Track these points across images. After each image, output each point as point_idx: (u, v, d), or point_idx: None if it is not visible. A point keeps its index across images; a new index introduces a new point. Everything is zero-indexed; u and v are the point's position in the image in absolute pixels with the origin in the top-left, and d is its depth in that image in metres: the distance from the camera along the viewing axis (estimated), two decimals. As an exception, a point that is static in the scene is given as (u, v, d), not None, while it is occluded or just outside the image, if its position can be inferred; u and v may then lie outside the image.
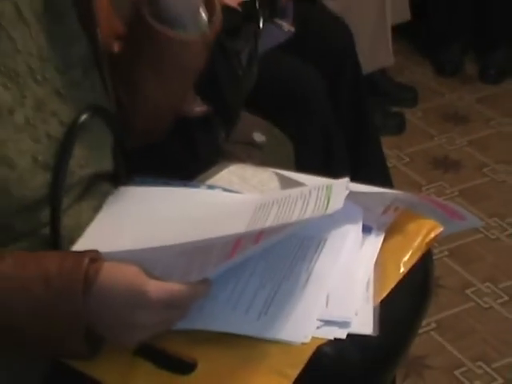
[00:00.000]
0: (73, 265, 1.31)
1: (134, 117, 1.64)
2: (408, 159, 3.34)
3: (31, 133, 1.43)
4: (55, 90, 1.48)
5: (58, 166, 1.45)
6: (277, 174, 1.68)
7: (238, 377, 1.33)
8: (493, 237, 2.94)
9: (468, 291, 2.73)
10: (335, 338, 1.36)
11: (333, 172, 1.61)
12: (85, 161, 1.51)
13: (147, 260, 1.34)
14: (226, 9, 2.22)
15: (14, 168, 1.39)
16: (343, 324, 1.38)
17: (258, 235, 1.36)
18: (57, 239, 1.45)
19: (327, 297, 1.41)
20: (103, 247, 1.37)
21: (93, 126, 1.53)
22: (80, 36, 1.55)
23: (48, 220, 1.45)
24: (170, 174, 1.62)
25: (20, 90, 1.43)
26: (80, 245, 1.45)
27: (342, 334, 1.37)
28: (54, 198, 1.44)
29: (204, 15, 1.56)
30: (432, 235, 1.56)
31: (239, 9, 2.23)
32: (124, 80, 1.63)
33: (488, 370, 2.46)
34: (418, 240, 1.55)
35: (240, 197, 1.56)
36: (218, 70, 1.85)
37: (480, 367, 2.47)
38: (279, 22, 2.58)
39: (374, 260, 1.49)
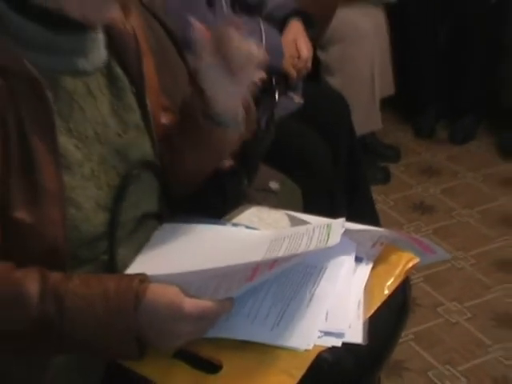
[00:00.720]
0: (126, 285, 1.32)
1: (172, 175, 1.64)
2: (392, 203, 3.34)
3: (95, 182, 1.44)
4: (115, 149, 1.49)
5: (115, 209, 1.46)
6: (288, 215, 1.68)
7: (255, 376, 1.32)
8: (459, 266, 2.93)
9: (439, 309, 2.72)
10: (333, 346, 1.36)
11: (332, 214, 1.60)
12: (136, 204, 1.52)
13: (184, 281, 1.34)
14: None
15: (80, 209, 1.40)
16: (339, 335, 1.38)
17: (271, 263, 1.36)
18: (113, 264, 1.46)
19: (326, 313, 1.40)
20: (150, 271, 1.38)
21: (143, 177, 1.54)
22: (134, 107, 1.56)
23: (106, 249, 1.46)
24: (203, 213, 1.62)
25: (87, 148, 1.44)
26: (132, 269, 1.45)
27: (337, 342, 1.37)
28: (111, 233, 1.45)
29: (241, 117, 1.55)
30: (410, 265, 1.56)
31: (259, 85, 2.24)
32: (170, 149, 1.64)
33: (454, 372, 2.45)
34: (399, 268, 1.54)
35: (258, 233, 1.56)
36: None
37: (448, 370, 2.46)
38: (291, 95, 2.58)
39: (364, 284, 1.48)
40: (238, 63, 1.46)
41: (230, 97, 1.51)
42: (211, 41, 1.46)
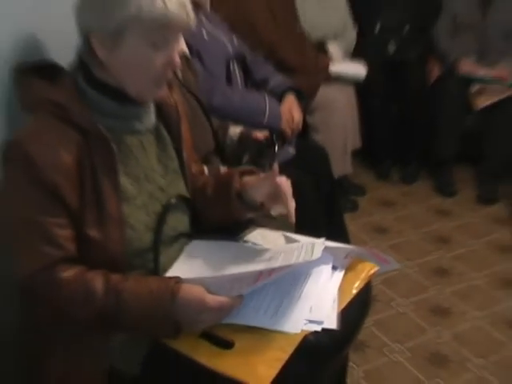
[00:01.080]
0: (165, 285, 1.32)
1: (202, 215, 1.64)
2: (359, 226, 3.32)
3: (145, 211, 1.45)
4: (159, 187, 1.50)
5: (158, 230, 1.46)
6: (284, 235, 1.68)
7: (258, 351, 1.32)
8: (406, 272, 2.91)
9: (392, 303, 2.70)
10: (315, 331, 1.36)
11: (315, 234, 1.60)
12: (174, 227, 1.52)
13: (207, 283, 1.35)
14: (257, 140, 2.24)
15: (134, 230, 1.41)
16: (319, 322, 1.38)
17: (271, 271, 1.36)
18: (157, 270, 1.46)
19: (311, 307, 1.40)
20: (182, 275, 1.38)
21: (179, 208, 1.54)
22: (174, 157, 1.57)
23: (152, 259, 1.45)
24: (222, 233, 1.62)
25: (139, 186, 1.45)
26: (169, 273, 1.45)
27: (318, 328, 1.37)
28: (155, 247, 1.45)
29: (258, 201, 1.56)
30: (371, 272, 1.57)
31: (264, 141, 2.24)
32: (204, 201, 1.63)
33: (402, 348, 2.43)
34: (363, 274, 1.55)
35: (262, 248, 1.55)
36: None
37: (398, 346, 2.44)
38: (287, 147, 2.59)
39: (338, 286, 1.48)
40: (278, 201, 1.50)
41: (260, 196, 1.53)
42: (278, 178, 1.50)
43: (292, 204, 1.48)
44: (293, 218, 1.48)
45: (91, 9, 1.33)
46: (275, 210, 1.52)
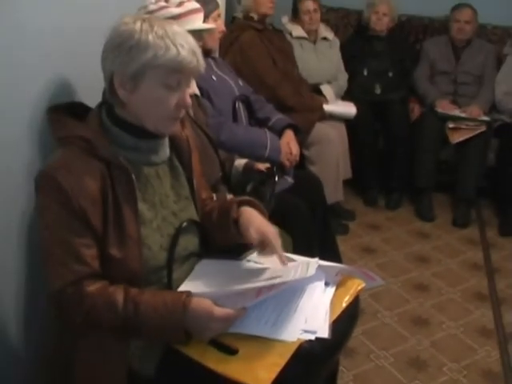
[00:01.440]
0: (178, 298, 1.32)
1: (209, 236, 1.61)
2: (349, 247, 3.30)
3: (160, 233, 1.45)
4: (172, 212, 1.50)
5: (171, 250, 1.46)
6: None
7: (259, 357, 1.31)
8: (390, 288, 2.90)
9: (378, 315, 2.68)
10: (309, 339, 1.35)
11: (310, 254, 1.60)
12: (185, 247, 1.51)
13: (215, 296, 1.34)
14: (259, 171, 2.25)
15: (150, 250, 1.41)
16: (313, 332, 1.37)
17: (271, 287, 1.36)
18: (170, 285, 1.45)
19: (306, 318, 1.40)
20: (193, 289, 1.38)
21: (190, 230, 1.54)
22: (185, 186, 1.57)
23: (166, 275, 1.45)
24: (227, 253, 1.61)
25: (155, 211, 1.45)
26: (181, 288, 1.44)
27: (312, 337, 1.36)
28: (169, 265, 1.45)
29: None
30: (359, 287, 1.56)
31: (265, 172, 2.25)
32: (210, 225, 1.61)
33: (387, 354, 2.41)
34: (352, 290, 1.54)
35: (262, 266, 1.54)
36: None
37: (383, 353, 2.42)
38: (286, 177, 2.59)
39: (330, 300, 1.47)
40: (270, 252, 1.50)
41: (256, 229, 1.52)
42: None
43: (280, 250, 1.48)
44: (283, 262, 1.47)
45: (114, 56, 1.35)
46: (265, 254, 1.52)
